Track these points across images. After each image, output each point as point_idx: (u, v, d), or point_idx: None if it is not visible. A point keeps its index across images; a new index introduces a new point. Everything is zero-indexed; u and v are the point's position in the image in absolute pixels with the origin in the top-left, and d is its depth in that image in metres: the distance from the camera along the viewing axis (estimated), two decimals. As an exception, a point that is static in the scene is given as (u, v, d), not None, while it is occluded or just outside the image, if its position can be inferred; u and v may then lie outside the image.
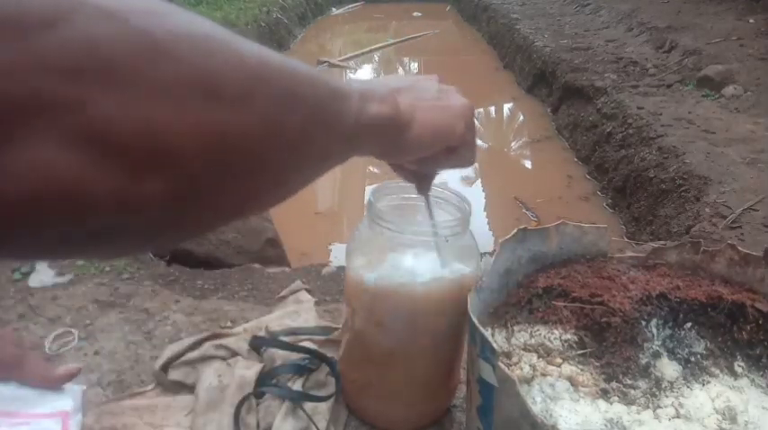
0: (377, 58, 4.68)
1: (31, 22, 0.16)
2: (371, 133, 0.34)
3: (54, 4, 0.17)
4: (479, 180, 2.47)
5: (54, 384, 0.57)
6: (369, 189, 0.60)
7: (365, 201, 0.57)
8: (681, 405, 0.48)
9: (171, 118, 0.20)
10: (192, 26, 0.22)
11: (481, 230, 2.00)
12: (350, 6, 6.47)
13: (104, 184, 0.18)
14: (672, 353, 0.52)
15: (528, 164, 2.84)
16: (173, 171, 0.20)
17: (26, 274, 0.95)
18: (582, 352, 0.51)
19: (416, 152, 0.40)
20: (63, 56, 0.17)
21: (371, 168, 2.49)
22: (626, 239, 1.73)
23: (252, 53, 0.24)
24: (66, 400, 0.57)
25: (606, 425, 0.45)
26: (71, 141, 0.17)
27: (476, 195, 2.31)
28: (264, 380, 0.68)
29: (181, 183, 0.21)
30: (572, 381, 0.48)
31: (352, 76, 4.21)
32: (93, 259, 0.92)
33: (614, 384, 0.49)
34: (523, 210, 2.13)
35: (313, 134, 0.28)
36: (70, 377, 0.58)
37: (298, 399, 0.66)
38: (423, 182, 0.50)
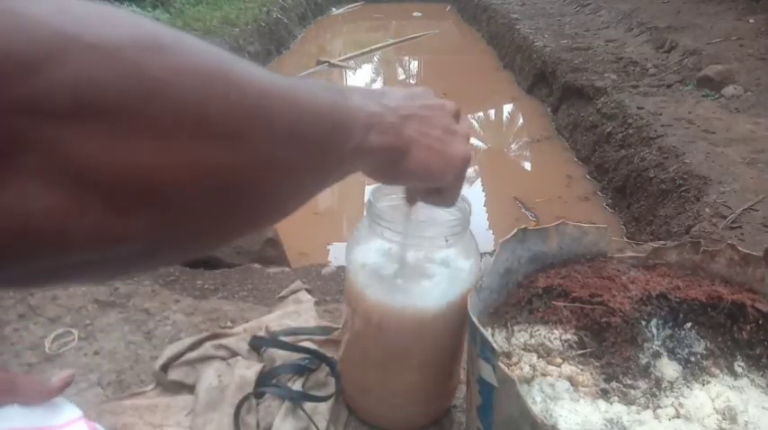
0: (377, 58, 4.68)
1: (18, 65, 0.16)
2: (366, 159, 0.34)
3: (44, 45, 0.17)
4: (479, 180, 2.47)
5: (53, 395, 0.56)
6: (369, 189, 0.60)
7: (365, 201, 0.57)
8: (681, 405, 0.48)
9: (159, 157, 0.19)
10: (192, 59, 0.21)
11: (481, 230, 2.00)
12: (350, 6, 6.46)
13: (87, 221, 0.18)
14: (672, 353, 0.52)
15: (528, 164, 2.83)
16: (159, 206, 0.20)
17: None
18: (582, 352, 0.51)
19: (403, 182, 0.41)
20: (49, 97, 0.17)
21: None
22: (626, 239, 1.73)
23: (254, 84, 0.23)
24: (74, 409, 0.57)
25: (606, 425, 0.45)
26: (54, 180, 0.17)
27: (476, 195, 2.31)
28: (264, 380, 0.68)
29: (167, 216, 0.21)
30: (572, 381, 0.48)
31: (351, 75, 4.21)
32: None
33: (614, 384, 0.49)
34: (523, 210, 2.13)
35: (311, 166, 0.28)
36: (67, 384, 0.57)
37: (298, 399, 0.66)
38: (410, 194, 0.50)
